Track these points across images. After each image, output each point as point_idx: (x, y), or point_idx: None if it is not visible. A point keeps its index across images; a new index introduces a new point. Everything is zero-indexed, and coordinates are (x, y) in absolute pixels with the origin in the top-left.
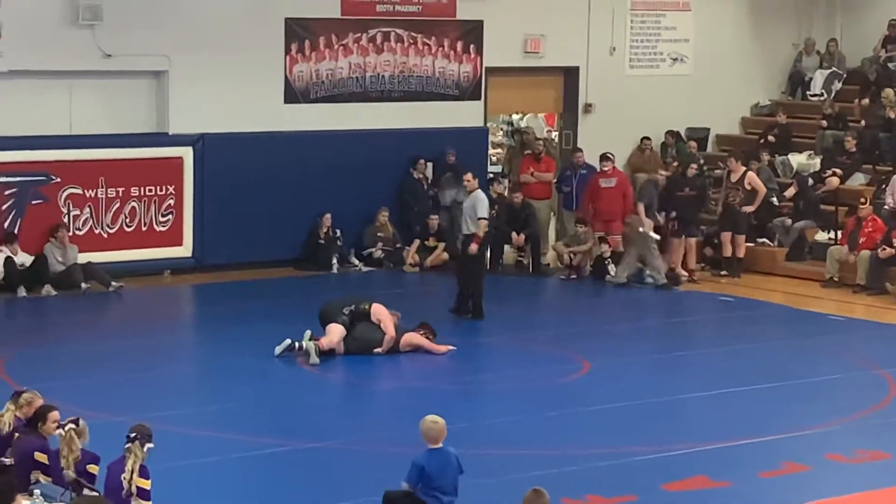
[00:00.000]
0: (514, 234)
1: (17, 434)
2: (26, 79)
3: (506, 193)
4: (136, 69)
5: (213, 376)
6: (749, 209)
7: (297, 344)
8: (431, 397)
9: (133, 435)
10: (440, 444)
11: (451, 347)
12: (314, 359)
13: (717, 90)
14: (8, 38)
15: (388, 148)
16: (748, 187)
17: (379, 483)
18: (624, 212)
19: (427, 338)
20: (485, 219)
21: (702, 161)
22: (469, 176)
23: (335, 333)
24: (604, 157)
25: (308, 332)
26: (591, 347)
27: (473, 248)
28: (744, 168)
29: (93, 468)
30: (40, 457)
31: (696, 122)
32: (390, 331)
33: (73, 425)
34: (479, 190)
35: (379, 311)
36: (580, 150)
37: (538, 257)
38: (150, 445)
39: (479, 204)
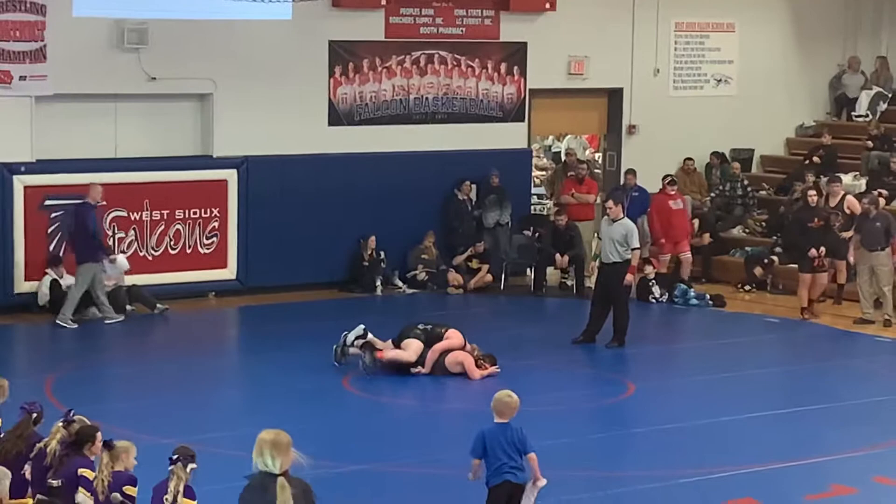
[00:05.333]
0: (558, 256)
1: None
2: (72, 102)
3: (550, 215)
4: (181, 92)
5: (259, 398)
6: (849, 234)
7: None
8: (476, 419)
9: (175, 456)
10: (505, 419)
11: (492, 371)
12: (368, 361)
13: (761, 111)
14: (53, 62)
15: (431, 170)
16: (847, 211)
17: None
18: (690, 233)
19: (479, 365)
20: (638, 248)
21: (746, 182)
22: (611, 203)
23: (412, 349)
24: (672, 181)
25: (361, 327)
26: (637, 369)
27: (629, 278)
28: (843, 192)
29: (129, 490)
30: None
31: (740, 143)
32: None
33: (105, 448)
34: (627, 218)
35: (453, 335)
36: (632, 172)
37: (582, 279)
38: (193, 466)
39: (631, 233)
